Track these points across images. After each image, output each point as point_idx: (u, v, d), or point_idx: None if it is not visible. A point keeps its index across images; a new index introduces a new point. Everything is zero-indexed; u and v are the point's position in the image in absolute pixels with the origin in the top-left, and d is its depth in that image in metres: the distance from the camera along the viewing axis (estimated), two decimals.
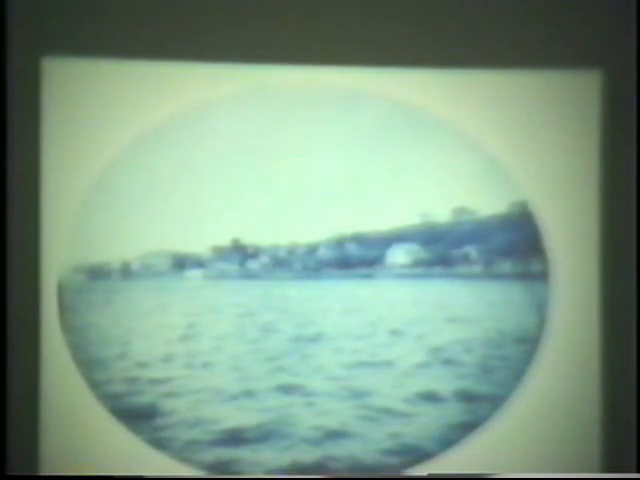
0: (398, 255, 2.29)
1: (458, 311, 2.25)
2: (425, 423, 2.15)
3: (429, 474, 2.11)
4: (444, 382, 2.19)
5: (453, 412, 2.17)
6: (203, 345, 2.20)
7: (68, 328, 2.10)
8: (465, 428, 2.16)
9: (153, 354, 2.16)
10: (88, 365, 2.12)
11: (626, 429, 2.15)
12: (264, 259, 2.27)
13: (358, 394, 2.17)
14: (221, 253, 2.24)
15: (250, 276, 2.31)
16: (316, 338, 2.23)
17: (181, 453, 2.10)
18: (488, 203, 2.20)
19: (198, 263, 2.24)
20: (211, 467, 2.09)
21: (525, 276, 2.20)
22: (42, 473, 2.06)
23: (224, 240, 2.21)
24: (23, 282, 2.07)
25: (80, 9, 2.09)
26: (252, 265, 2.29)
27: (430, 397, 2.18)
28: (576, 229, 2.18)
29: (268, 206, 2.18)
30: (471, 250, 2.27)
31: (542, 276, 2.19)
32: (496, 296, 2.25)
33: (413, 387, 2.18)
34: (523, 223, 2.19)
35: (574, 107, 2.19)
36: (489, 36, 2.16)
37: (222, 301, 2.30)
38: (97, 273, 2.15)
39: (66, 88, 2.10)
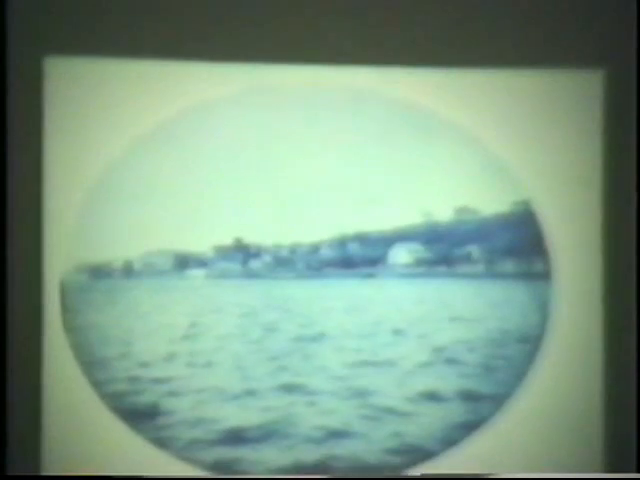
0: (400, 254, 2.29)
1: (461, 310, 2.25)
2: (427, 422, 2.15)
3: (426, 474, 2.11)
4: (447, 381, 2.19)
5: (455, 411, 2.16)
6: (205, 344, 2.20)
7: (70, 328, 2.10)
8: (467, 427, 2.15)
9: (155, 353, 2.16)
10: (90, 364, 2.11)
11: (628, 428, 2.15)
12: (266, 258, 2.27)
13: (360, 393, 2.17)
14: (223, 252, 2.24)
15: (252, 275, 2.30)
16: (318, 338, 2.23)
17: (183, 452, 2.10)
18: (490, 202, 2.20)
19: (200, 262, 2.24)
20: (213, 466, 2.09)
21: (527, 275, 2.20)
22: (44, 472, 2.06)
23: (226, 239, 2.21)
24: (25, 282, 2.07)
25: (82, 8, 2.09)
26: (254, 264, 2.29)
27: (432, 396, 2.18)
28: (578, 228, 2.18)
29: (270, 205, 2.18)
30: (473, 249, 2.27)
31: (544, 275, 2.19)
32: (499, 295, 2.25)
33: (415, 386, 2.18)
34: (525, 222, 2.19)
35: (576, 107, 2.19)
36: (492, 36, 2.16)
37: (224, 300, 2.30)
38: (99, 273, 2.15)
39: (68, 87, 2.10)
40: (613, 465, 2.17)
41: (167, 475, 2.08)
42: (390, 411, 2.16)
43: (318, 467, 2.10)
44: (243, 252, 2.26)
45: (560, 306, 2.18)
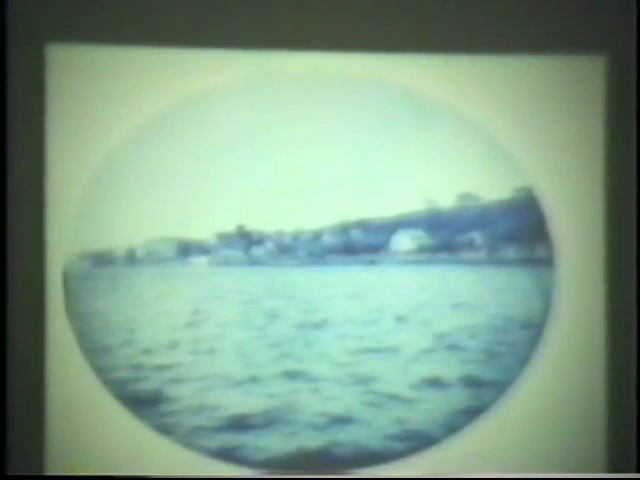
0: (403, 241, 2.29)
1: (463, 297, 2.25)
2: (430, 409, 2.15)
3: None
4: (449, 368, 2.19)
5: (458, 398, 2.16)
6: (208, 332, 2.20)
7: (73, 315, 2.10)
8: (470, 414, 2.15)
9: (158, 341, 2.16)
10: (93, 351, 2.12)
11: (629, 414, 2.15)
12: (269, 245, 2.28)
13: (363, 380, 2.17)
14: (226, 239, 2.24)
15: (255, 262, 2.31)
16: (321, 324, 2.23)
17: (186, 439, 2.10)
18: (493, 189, 2.20)
19: (203, 250, 2.25)
20: (216, 453, 2.09)
21: (530, 262, 2.20)
22: (47, 458, 2.06)
23: (229, 226, 2.21)
24: (28, 269, 2.07)
25: None
26: (257, 252, 2.29)
27: (435, 383, 2.18)
28: (581, 214, 2.18)
29: (273, 192, 2.18)
30: (476, 236, 2.27)
31: (547, 262, 2.19)
32: (501, 282, 2.25)
33: (418, 373, 2.18)
34: (528, 209, 2.19)
35: (579, 93, 2.19)
36: (494, 22, 2.16)
37: (227, 287, 2.30)
38: (102, 260, 2.15)
39: (70, 75, 2.10)
40: (616, 450, 2.16)
41: (170, 462, 2.09)
42: (393, 397, 2.16)
43: (321, 453, 2.11)
44: (245, 239, 2.26)
45: (563, 292, 2.18)
